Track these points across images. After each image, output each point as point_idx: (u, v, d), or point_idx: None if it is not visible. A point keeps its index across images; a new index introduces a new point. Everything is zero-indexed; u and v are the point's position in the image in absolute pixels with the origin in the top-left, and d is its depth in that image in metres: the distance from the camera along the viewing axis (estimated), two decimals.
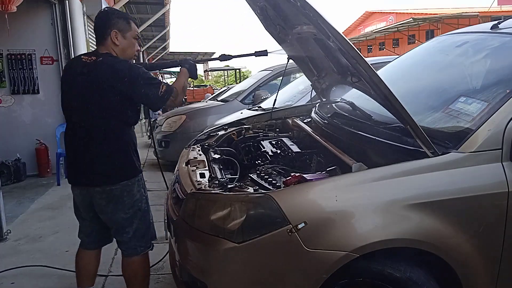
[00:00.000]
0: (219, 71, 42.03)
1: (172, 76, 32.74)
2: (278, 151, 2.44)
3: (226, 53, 2.65)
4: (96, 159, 2.15)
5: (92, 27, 2.34)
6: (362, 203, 1.64)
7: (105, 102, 2.10)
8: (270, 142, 2.66)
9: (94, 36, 2.29)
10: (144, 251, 2.32)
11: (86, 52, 6.83)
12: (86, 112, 2.13)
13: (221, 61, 2.67)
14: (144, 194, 2.29)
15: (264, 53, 2.71)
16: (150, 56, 27.17)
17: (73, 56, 6.07)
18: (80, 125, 2.16)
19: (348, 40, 1.74)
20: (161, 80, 2.24)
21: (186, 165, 2.38)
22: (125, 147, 2.19)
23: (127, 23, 2.24)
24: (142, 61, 20.08)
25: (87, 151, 2.15)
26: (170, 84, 2.34)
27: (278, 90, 3.65)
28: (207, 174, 2.21)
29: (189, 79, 2.42)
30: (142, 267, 2.33)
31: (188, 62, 2.41)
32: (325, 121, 2.52)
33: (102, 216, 2.25)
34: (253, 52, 2.75)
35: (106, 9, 2.33)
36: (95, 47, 2.29)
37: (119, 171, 2.18)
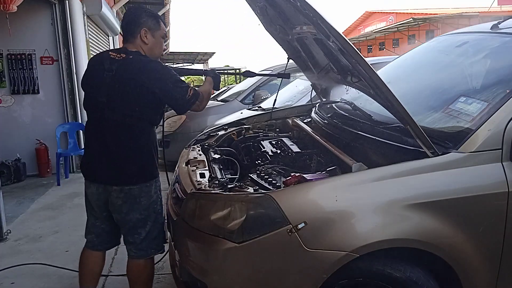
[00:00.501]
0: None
1: None
2: (278, 151, 2.44)
3: (251, 71, 2.75)
4: (120, 157, 2.12)
5: (92, 27, 2.31)
6: (362, 203, 1.64)
7: (134, 101, 2.08)
8: (270, 142, 2.66)
9: (122, 33, 2.28)
10: (155, 254, 2.30)
11: (91, 51, 6.84)
12: (113, 109, 2.10)
13: (244, 76, 2.72)
14: (160, 196, 2.28)
15: (286, 76, 2.81)
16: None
17: (73, 56, 6.08)
18: (106, 122, 2.12)
19: (348, 40, 1.74)
20: (189, 84, 2.23)
21: (186, 165, 2.38)
22: (149, 147, 2.18)
23: (156, 22, 2.23)
24: None
25: (111, 148, 2.12)
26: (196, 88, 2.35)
27: (278, 90, 3.65)
28: (207, 174, 2.21)
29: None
30: (148, 269, 2.30)
31: (213, 72, 2.44)
32: (325, 121, 2.52)
33: (116, 215, 2.22)
34: (276, 73, 2.88)
35: (136, 6, 2.33)
36: (123, 44, 2.25)
37: (140, 171, 2.16)
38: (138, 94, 2.07)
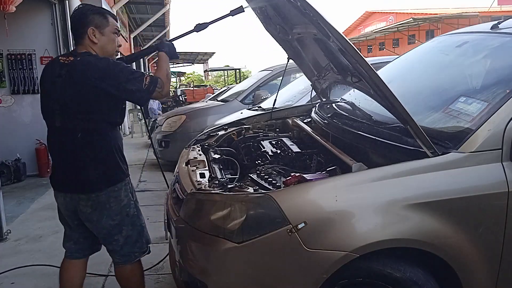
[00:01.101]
0: (219, 71, 42.07)
1: (172, 76, 32.78)
2: (278, 151, 2.44)
3: (201, 22, 2.40)
4: (81, 164, 2.03)
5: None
6: (362, 203, 1.64)
7: (87, 103, 1.99)
8: (270, 142, 2.66)
9: (72, 36, 2.18)
10: (140, 257, 2.23)
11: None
12: (68, 115, 2.01)
13: (197, 32, 2.36)
14: (132, 199, 2.18)
15: (240, 10, 2.45)
16: (150, 56, 27.15)
17: None
18: (63, 129, 2.04)
19: (348, 40, 1.74)
20: (144, 72, 2.10)
21: (186, 165, 2.38)
22: (111, 150, 2.07)
23: (104, 18, 2.10)
24: (143, 64, 20.07)
25: (71, 156, 2.04)
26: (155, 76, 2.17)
27: (278, 90, 3.65)
28: (207, 174, 2.21)
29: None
30: (136, 273, 2.24)
31: (164, 43, 2.23)
32: (325, 121, 2.52)
33: (88, 224, 2.14)
34: (229, 12, 2.47)
35: (81, 5, 2.18)
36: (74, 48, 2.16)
37: (105, 176, 2.05)
38: (90, 96, 1.98)
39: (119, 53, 2.26)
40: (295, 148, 2.44)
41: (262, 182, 1.95)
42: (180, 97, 18.60)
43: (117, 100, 2.06)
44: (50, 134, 2.12)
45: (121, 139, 2.21)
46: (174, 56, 2.24)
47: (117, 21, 2.18)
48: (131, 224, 2.16)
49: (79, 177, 2.05)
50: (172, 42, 2.27)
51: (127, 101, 2.18)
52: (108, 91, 1.98)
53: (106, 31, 2.11)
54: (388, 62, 3.39)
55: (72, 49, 6.01)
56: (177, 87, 26.56)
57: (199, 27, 2.38)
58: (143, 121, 12.11)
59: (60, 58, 2.11)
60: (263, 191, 1.78)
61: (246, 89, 6.66)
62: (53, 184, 2.18)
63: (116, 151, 2.09)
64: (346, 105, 2.70)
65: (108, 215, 2.09)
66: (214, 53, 30.27)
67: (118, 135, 2.16)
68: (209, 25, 2.38)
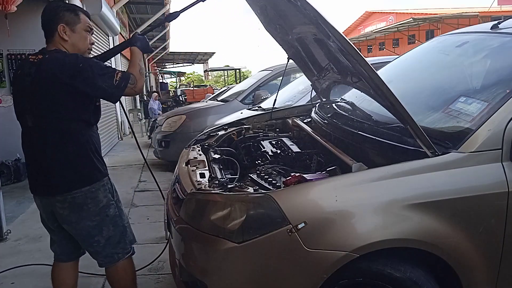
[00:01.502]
0: (219, 71, 42.10)
1: (172, 76, 32.85)
2: (278, 151, 2.44)
3: (171, 12, 2.37)
4: (54, 164, 1.97)
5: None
6: (362, 203, 1.64)
7: (57, 102, 1.93)
8: (270, 142, 2.66)
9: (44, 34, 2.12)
10: (123, 258, 2.15)
11: (91, 51, 6.84)
12: (39, 114, 1.96)
13: (169, 21, 2.42)
14: (112, 199, 2.11)
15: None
16: (150, 56, 27.17)
17: None
18: (35, 129, 1.99)
19: (348, 40, 1.74)
20: (115, 68, 2.03)
21: (186, 165, 2.38)
22: (85, 149, 1.99)
23: (75, 15, 2.05)
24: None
25: (44, 157, 1.98)
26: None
27: (278, 90, 3.65)
28: (207, 174, 2.21)
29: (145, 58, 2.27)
30: (126, 273, 2.19)
31: (137, 37, 2.16)
32: (325, 121, 2.52)
33: (66, 227, 2.08)
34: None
35: (52, 2, 2.15)
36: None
37: (80, 176, 1.99)
38: (60, 94, 1.92)
39: (91, 51, 2.20)
40: (295, 148, 2.44)
41: (262, 182, 1.95)
42: (180, 97, 18.61)
43: (88, 98, 1.99)
44: (23, 135, 2.08)
45: (98, 138, 2.13)
46: (147, 50, 2.20)
47: (89, 18, 2.14)
48: (112, 224, 2.10)
49: (53, 178, 1.99)
50: (144, 35, 2.20)
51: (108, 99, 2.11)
52: (77, 88, 1.91)
53: (77, 28, 2.06)
54: (388, 62, 3.39)
55: None
56: (177, 87, 26.58)
57: (170, 17, 2.37)
58: (143, 121, 12.15)
59: (30, 56, 2.05)
60: (263, 191, 1.78)
61: (246, 89, 6.67)
62: (30, 186, 2.11)
63: (91, 151, 2.02)
64: (346, 105, 2.70)
65: (87, 217, 2.03)
66: (214, 53, 30.32)
67: (94, 134, 2.09)
68: (180, 14, 2.32)
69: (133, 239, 2.23)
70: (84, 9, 2.21)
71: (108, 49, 2.30)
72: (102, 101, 2.13)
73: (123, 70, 2.03)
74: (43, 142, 1.97)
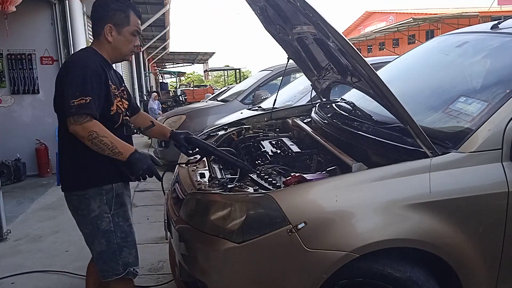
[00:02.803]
0: (219, 71, 42.10)
1: (172, 76, 32.84)
2: (278, 151, 2.44)
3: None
4: (61, 160, 1.97)
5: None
6: (362, 203, 1.64)
7: (60, 100, 1.86)
8: (270, 142, 2.66)
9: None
10: (112, 278, 1.96)
11: None
12: (56, 109, 1.94)
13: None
14: (107, 212, 1.93)
15: None
16: (150, 56, 27.17)
17: None
18: (58, 122, 1.97)
19: (348, 40, 1.74)
20: (91, 98, 1.77)
21: (186, 165, 2.38)
22: (84, 151, 1.84)
23: (125, 16, 1.94)
24: (142, 62, 20.05)
25: (59, 150, 2.01)
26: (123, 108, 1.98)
27: (278, 90, 3.65)
28: (207, 174, 2.21)
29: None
30: None
31: (131, 158, 1.83)
32: (325, 121, 2.52)
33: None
34: None
35: None
36: None
37: (76, 178, 1.91)
38: (60, 93, 1.87)
39: (133, 54, 2.18)
40: (295, 148, 2.44)
41: (262, 182, 1.95)
42: (180, 97, 18.61)
43: None
44: None
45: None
46: (131, 172, 1.87)
47: (140, 19, 2.04)
48: (105, 239, 1.94)
49: (61, 173, 2.01)
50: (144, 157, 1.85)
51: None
52: (60, 92, 1.85)
53: (124, 30, 1.95)
54: (388, 62, 3.39)
55: (72, 50, 6.07)
56: (177, 87, 26.57)
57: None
58: None
59: None
60: (263, 191, 1.77)
61: (246, 89, 6.66)
62: None
63: (92, 155, 1.84)
64: (346, 105, 2.70)
65: (82, 222, 1.97)
66: (214, 53, 30.31)
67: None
68: None
69: (133, 262, 2.00)
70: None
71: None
72: None
73: (91, 105, 1.77)
74: (60, 139, 1.99)
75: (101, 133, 1.78)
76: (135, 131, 2.16)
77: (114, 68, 2.13)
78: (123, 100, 2.04)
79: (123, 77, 2.44)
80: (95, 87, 1.81)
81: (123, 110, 2.02)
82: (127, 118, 2.07)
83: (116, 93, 1.98)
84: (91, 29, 2.06)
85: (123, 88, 2.10)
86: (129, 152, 1.83)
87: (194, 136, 2.28)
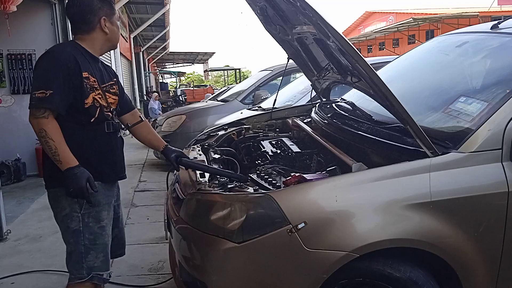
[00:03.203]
0: (219, 71, 42.10)
1: (172, 76, 32.87)
2: (278, 151, 2.44)
3: None
4: (43, 157, 1.90)
5: None
6: (362, 203, 1.64)
7: None
8: (270, 142, 2.66)
9: (72, 25, 1.96)
10: (74, 281, 1.88)
11: None
12: None
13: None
14: (77, 211, 1.86)
15: None
16: (150, 56, 27.18)
17: None
18: None
19: (348, 40, 1.74)
20: (52, 92, 1.73)
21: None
22: (69, 145, 1.78)
23: (110, 6, 1.94)
24: (142, 61, 20.03)
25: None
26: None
27: (278, 90, 3.65)
28: (207, 174, 2.21)
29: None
30: None
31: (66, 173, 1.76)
32: (325, 121, 2.52)
33: None
34: None
35: None
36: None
37: (50, 175, 1.88)
38: None
39: None
40: (295, 148, 2.44)
41: (262, 182, 1.95)
42: (180, 97, 18.62)
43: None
44: None
45: (97, 141, 1.92)
46: (68, 188, 1.77)
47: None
48: (73, 239, 1.89)
49: (43, 170, 1.97)
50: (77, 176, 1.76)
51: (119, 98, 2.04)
52: None
53: (114, 19, 1.96)
54: (388, 62, 3.39)
55: None
56: (177, 87, 26.60)
57: None
58: None
59: None
60: (263, 191, 1.78)
61: (246, 89, 6.67)
62: None
63: (86, 152, 1.84)
64: (346, 105, 2.70)
65: (56, 219, 1.94)
66: (214, 53, 30.33)
67: (85, 135, 1.88)
68: None
69: (99, 267, 1.89)
70: None
71: None
72: None
73: (49, 99, 1.73)
74: None
75: (50, 134, 1.74)
76: (121, 128, 2.09)
77: (109, 64, 2.09)
78: (108, 94, 1.97)
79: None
80: (60, 80, 1.76)
81: (105, 105, 1.93)
82: (110, 113, 1.97)
83: (96, 86, 1.89)
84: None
85: (112, 82, 2.02)
86: (68, 165, 1.75)
87: (186, 158, 2.19)
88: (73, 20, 1.94)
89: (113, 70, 2.17)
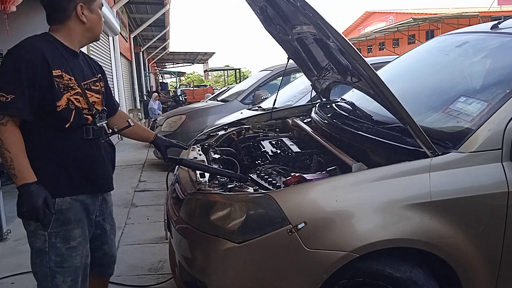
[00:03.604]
0: (219, 71, 42.11)
1: (172, 76, 32.86)
2: (278, 151, 2.44)
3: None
4: None
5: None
6: (362, 203, 1.64)
7: None
8: (270, 142, 2.66)
9: (47, 14, 1.72)
10: None
11: (91, 51, 6.82)
12: None
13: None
14: (44, 230, 1.66)
15: None
16: (150, 56, 27.17)
17: None
18: None
19: (348, 40, 1.74)
20: (13, 97, 1.54)
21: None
22: (38, 158, 1.65)
23: None
24: (142, 62, 20.04)
25: None
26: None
27: (278, 90, 3.65)
28: (207, 174, 2.21)
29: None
30: None
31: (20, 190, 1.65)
32: (325, 121, 2.52)
33: None
34: None
35: None
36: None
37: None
38: None
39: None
40: (295, 148, 2.44)
41: (262, 182, 1.95)
42: (180, 97, 18.61)
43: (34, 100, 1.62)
44: None
45: (70, 148, 1.70)
46: (20, 208, 1.65)
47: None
48: (38, 259, 1.70)
49: None
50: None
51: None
52: None
53: (94, 6, 1.73)
54: (388, 62, 3.39)
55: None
56: (177, 87, 26.60)
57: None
58: (143, 121, 12.16)
59: None
60: (263, 191, 1.78)
61: (246, 89, 6.67)
62: None
63: (36, 160, 1.65)
64: (346, 105, 2.70)
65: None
66: (214, 53, 30.34)
67: (56, 142, 1.67)
68: None
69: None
70: None
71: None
72: None
73: (10, 106, 1.55)
74: None
75: (6, 145, 1.57)
76: (107, 133, 1.84)
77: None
78: (90, 93, 1.74)
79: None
80: (24, 82, 1.56)
81: (85, 106, 1.71)
82: (90, 117, 1.73)
83: (72, 85, 1.66)
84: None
85: (95, 79, 1.81)
86: (24, 181, 1.59)
87: (175, 146, 2.13)
88: (46, 7, 1.71)
89: (98, 64, 1.94)
